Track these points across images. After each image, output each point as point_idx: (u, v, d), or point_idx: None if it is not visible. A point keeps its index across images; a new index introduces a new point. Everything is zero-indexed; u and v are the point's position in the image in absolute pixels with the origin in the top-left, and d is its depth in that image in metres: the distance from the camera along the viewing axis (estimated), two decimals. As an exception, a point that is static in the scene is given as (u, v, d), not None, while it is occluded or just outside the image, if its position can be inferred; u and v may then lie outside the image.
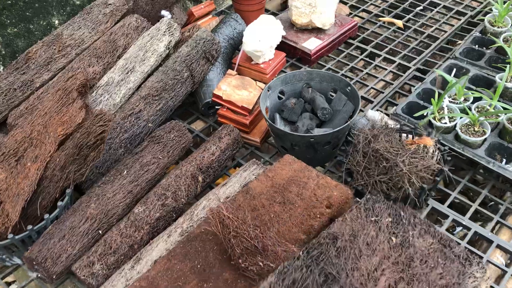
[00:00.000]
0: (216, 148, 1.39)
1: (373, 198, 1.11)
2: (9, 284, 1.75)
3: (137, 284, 1.08)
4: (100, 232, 1.23)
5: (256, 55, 1.68)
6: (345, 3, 2.16)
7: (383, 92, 1.70)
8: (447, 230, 1.34)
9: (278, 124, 1.45)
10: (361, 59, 1.86)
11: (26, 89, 1.46)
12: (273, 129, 1.39)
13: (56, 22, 1.63)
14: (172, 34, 1.58)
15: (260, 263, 1.03)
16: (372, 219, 1.05)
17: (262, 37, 1.65)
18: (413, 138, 1.31)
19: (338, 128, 1.31)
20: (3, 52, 1.53)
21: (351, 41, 1.94)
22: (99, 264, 1.15)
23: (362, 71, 1.80)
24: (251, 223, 1.09)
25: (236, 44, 1.82)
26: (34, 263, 1.16)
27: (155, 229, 1.24)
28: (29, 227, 1.18)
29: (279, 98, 1.53)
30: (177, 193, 1.29)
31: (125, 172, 1.33)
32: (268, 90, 1.47)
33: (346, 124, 1.33)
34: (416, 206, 1.28)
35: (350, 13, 2.11)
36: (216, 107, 1.60)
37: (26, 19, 1.54)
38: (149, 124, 1.46)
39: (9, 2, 1.47)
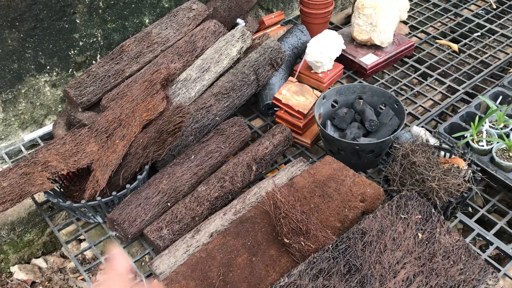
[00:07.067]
0: (269, 143, 1.60)
1: (406, 195, 1.27)
2: (80, 241, 2.04)
3: (197, 255, 1.29)
4: (169, 204, 1.46)
5: (316, 65, 1.87)
6: (406, 23, 2.29)
7: (430, 111, 1.84)
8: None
9: (329, 130, 1.63)
10: (414, 77, 2.01)
11: (118, 77, 1.72)
12: (323, 134, 1.57)
13: (147, 21, 1.89)
14: (245, 41, 1.79)
15: (302, 243, 1.22)
16: (402, 216, 1.21)
17: (323, 49, 1.83)
18: (450, 157, 1.46)
19: (381, 140, 1.48)
20: (102, 43, 1.80)
21: (406, 59, 2.08)
22: (166, 230, 1.38)
23: (413, 88, 1.95)
24: (299, 209, 1.28)
25: (299, 52, 2.01)
26: (115, 223, 1.41)
27: (213, 206, 1.46)
28: (114, 193, 1.43)
29: (333, 106, 1.71)
30: (234, 178, 1.50)
31: (192, 157, 1.56)
32: (323, 99, 1.65)
33: (389, 137, 1.49)
34: (443, 217, 1.43)
35: (410, 33, 2.25)
36: (275, 108, 1.80)
37: (123, 17, 1.80)
38: (217, 118, 1.68)
39: (112, 2, 1.74)
